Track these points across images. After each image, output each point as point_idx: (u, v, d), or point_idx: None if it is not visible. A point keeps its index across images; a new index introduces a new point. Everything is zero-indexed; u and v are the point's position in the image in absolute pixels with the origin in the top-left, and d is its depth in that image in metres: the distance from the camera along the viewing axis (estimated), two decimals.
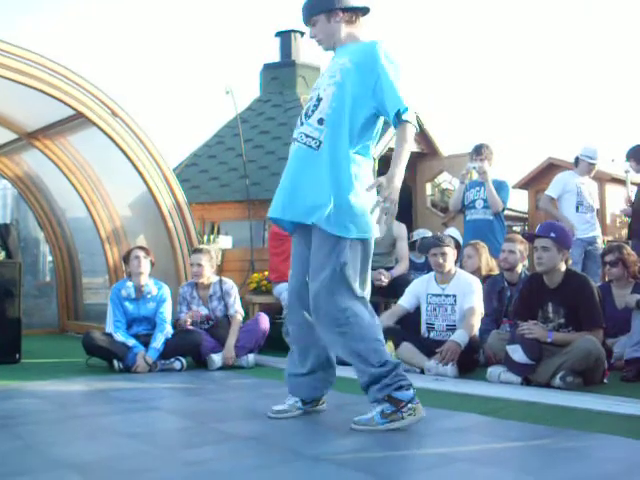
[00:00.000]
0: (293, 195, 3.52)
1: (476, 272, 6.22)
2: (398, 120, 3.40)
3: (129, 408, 4.16)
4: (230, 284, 6.14)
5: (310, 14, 3.59)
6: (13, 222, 9.28)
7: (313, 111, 3.49)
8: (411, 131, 3.41)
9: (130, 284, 5.95)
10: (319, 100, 3.48)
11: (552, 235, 4.95)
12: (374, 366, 3.40)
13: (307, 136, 3.47)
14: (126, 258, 6.10)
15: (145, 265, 5.95)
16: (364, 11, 3.65)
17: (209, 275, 6.08)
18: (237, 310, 6.03)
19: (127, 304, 5.90)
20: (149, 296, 5.93)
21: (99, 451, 3.07)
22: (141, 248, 6.12)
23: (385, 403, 3.37)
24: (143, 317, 5.91)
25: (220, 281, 6.12)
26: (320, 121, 3.44)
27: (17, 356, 6.11)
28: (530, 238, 5.22)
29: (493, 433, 3.45)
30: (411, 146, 3.44)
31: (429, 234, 8.30)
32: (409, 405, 3.36)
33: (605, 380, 4.84)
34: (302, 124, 3.54)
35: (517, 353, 4.78)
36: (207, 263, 6.04)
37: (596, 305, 4.89)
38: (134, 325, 5.91)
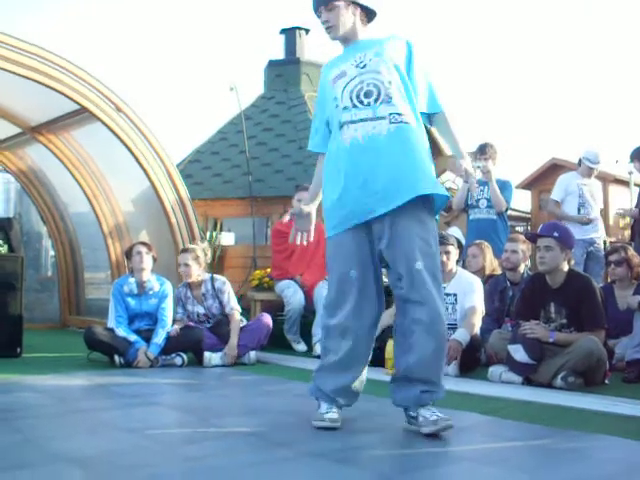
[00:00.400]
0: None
1: (479, 272, 6.21)
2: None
3: (129, 403, 4.16)
4: (222, 281, 6.11)
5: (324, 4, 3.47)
6: (16, 216, 9.29)
7: (391, 93, 3.36)
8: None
9: (132, 280, 5.95)
10: (390, 82, 3.37)
11: (555, 235, 4.95)
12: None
13: (398, 114, 3.35)
14: (128, 253, 6.10)
15: (147, 261, 5.94)
16: (373, 16, 3.60)
17: (198, 274, 6.05)
18: (233, 307, 6.00)
19: (129, 300, 5.91)
20: (151, 292, 5.92)
21: (99, 446, 3.07)
22: (143, 244, 6.11)
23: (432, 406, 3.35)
24: (145, 313, 5.91)
25: (212, 279, 6.10)
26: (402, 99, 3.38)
27: (18, 350, 6.12)
28: (533, 238, 5.21)
29: (494, 433, 3.45)
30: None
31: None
32: None
33: (606, 381, 4.83)
34: (380, 105, 3.35)
35: (519, 353, 4.78)
36: (193, 262, 6.00)
37: (598, 306, 4.89)
38: (136, 320, 5.91)
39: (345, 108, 3.39)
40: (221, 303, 6.03)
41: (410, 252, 3.28)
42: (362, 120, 3.35)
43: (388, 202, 3.27)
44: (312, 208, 3.71)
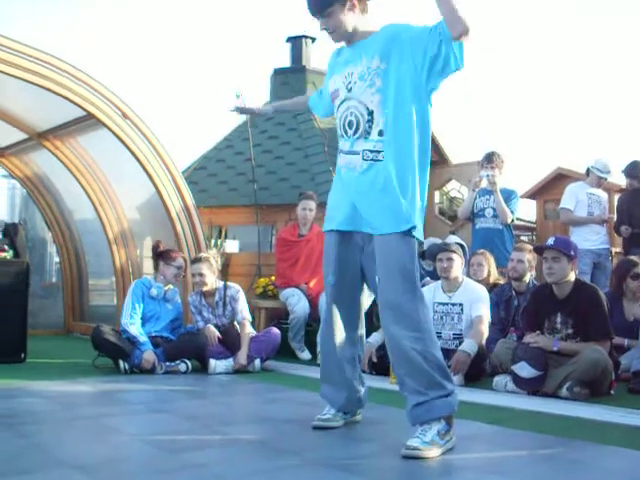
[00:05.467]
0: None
1: (484, 280, 6.20)
2: None
3: (134, 410, 4.16)
4: (236, 289, 6.11)
5: (325, 5, 3.36)
6: (21, 222, 9.28)
7: (370, 126, 3.31)
8: None
9: (160, 285, 6.05)
10: (371, 113, 3.31)
11: (562, 246, 4.95)
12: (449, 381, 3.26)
13: (371, 151, 3.31)
14: (165, 256, 6.15)
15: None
16: None
17: (212, 282, 6.06)
18: (245, 317, 5.99)
19: (150, 301, 5.97)
20: (170, 300, 6.08)
21: (104, 452, 3.06)
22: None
23: (441, 422, 3.15)
24: (158, 317, 5.98)
25: (225, 286, 6.10)
26: (380, 133, 3.30)
27: (22, 356, 6.11)
28: (539, 250, 5.21)
29: (499, 442, 3.43)
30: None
31: (438, 241, 8.30)
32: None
33: (612, 391, 4.81)
34: (357, 140, 3.36)
35: (524, 370, 4.76)
36: (208, 271, 6.01)
37: (605, 316, 4.88)
38: (147, 324, 5.92)
39: (339, 135, 3.48)
40: (233, 311, 6.02)
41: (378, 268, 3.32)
42: (345, 153, 3.43)
43: (367, 225, 3.37)
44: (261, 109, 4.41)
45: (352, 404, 3.65)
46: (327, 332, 3.59)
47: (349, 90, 3.38)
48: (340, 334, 3.56)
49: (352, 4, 3.38)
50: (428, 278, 6.64)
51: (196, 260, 6.15)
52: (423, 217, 3.36)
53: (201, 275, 6.00)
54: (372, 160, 3.29)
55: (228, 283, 6.16)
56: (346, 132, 3.39)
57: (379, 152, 3.29)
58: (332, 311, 3.56)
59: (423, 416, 3.16)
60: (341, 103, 3.43)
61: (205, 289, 6.03)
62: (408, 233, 3.25)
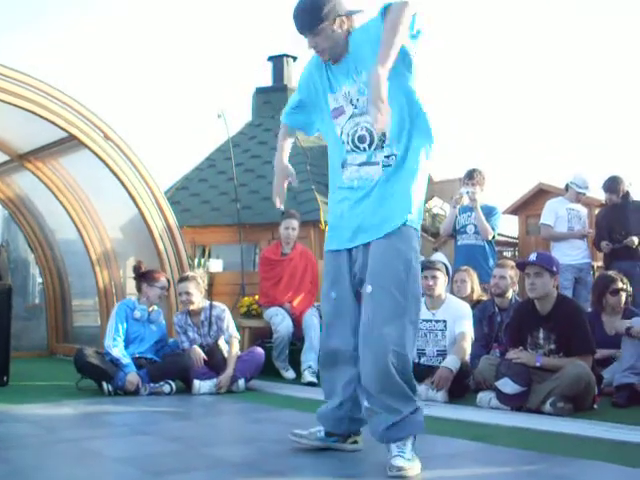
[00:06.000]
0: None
1: (467, 297, 6.23)
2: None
3: (118, 432, 4.14)
4: (221, 308, 6.09)
5: (315, 22, 3.31)
6: (3, 244, 9.25)
7: (383, 138, 3.31)
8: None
9: (144, 307, 6.02)
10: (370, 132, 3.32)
11: (544, 262, 4.98)
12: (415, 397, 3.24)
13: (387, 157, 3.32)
14: (148, 277, 6.11)
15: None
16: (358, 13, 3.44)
17: (199, 301, 6.05)
18: (232, 334, 5.97)
19: (134, 323, 5.94)
20: (154, 321, 6.07)
21: (87, 475, 3.05)
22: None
23: (410, 439, 3.15)
24: (142, 338, 5.95)
25: (210, 306, 6.08)
26: (390, 140, 3.31)
27: (5, 379, 6.05)
28: (521, 266, 5.24)
29: (483, 459, 3.44)
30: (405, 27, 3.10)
31: (421, 258, 8.32)
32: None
33: (595, 406, 4.84)
34: (375, 151, 3.35)
35: (508, 386, 4.78)
36: (195, 290, 5.99)
37: (587, 331, 4.91)
38: (131, 345, 5.89)
39: (347, 150, 3.41)
40: (218, 330, 6.00)
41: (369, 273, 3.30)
42: (359, 165, 3.38)
43: (367, 236, 3.34)
44: (293, 176, 3.81)
45: (354, 424, 3.51)
46: (331, 347, 3.48)
47: (355, 107, 3.37)
48: (345, 348, 3.43)
49: (342, 21, 3.35)
50: None
51: (183, 279, 6.13)
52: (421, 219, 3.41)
53: (188, 294, 5.98)
54: (388, 166, 3.31)
55: (214, 303, 6.14)
56: (358, 146, 3.37)
57: (390, 156, 3.30)
58: (334, 326, 3.47)
59: (398, 434, 3.14)
60: (348, 120, 3.41)
61: (192, 308, 6.00)
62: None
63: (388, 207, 3.29)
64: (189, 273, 6.35)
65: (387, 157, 3.31)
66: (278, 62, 11.13)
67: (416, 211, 3.32)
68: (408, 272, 3.25)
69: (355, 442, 3.55)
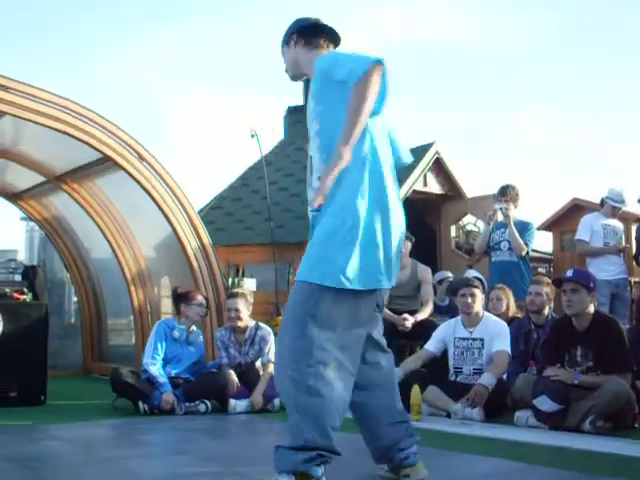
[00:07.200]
0: None
1: (502, 314, 6.17)
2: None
3: (154, 452, 4.15)
4: (267, 330, 6.03)
5: (281, 46, 3.36)
6: (40, 264, 9.35)
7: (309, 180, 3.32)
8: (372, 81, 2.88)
9: (183, 327, 6.02)
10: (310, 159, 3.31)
11: (581, 278, 4.93)
12: None
13: None
14: (183, 297, 6.12)
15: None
16: (327, 33, 3.30)
17: (246, 319, 6.00)
18: (270, 359, 5.86)
19: (172, 342, 5.95)
20: (193, 342, 6.06)
21: None
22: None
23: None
24: (179, 359, 5.95)
25: (257, 326, 6.04)
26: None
27: (42, 398, 6.11)
28: (558, 282, 5.19)
29: (521, 479, 3.40)
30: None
31: (449, 275, 8.28)
32: None
33: (636, 424, 4.75)
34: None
35: (545, 404, 4.72)
36: (244, 307, 5.96)
37: (626, 348, 4.84)
38: (168, 366, 5.90)
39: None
40: (259, 351, 5.97)
41: None
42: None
43: None
44: None
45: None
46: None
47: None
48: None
49: (291, 38, 3.31)
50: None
51: (232, 295, 6.10)
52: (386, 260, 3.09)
53: (237, 310, 5.94)
54: (312, 211, 3.29)
55: (260, 323, 6.10)
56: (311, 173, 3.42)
57: (315, 200, 3.23)
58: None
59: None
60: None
61: (239, 324, 5.98)
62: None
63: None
64: (238, 290, 6.33)
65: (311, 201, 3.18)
66: (309, 81, 11.17)
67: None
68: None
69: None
